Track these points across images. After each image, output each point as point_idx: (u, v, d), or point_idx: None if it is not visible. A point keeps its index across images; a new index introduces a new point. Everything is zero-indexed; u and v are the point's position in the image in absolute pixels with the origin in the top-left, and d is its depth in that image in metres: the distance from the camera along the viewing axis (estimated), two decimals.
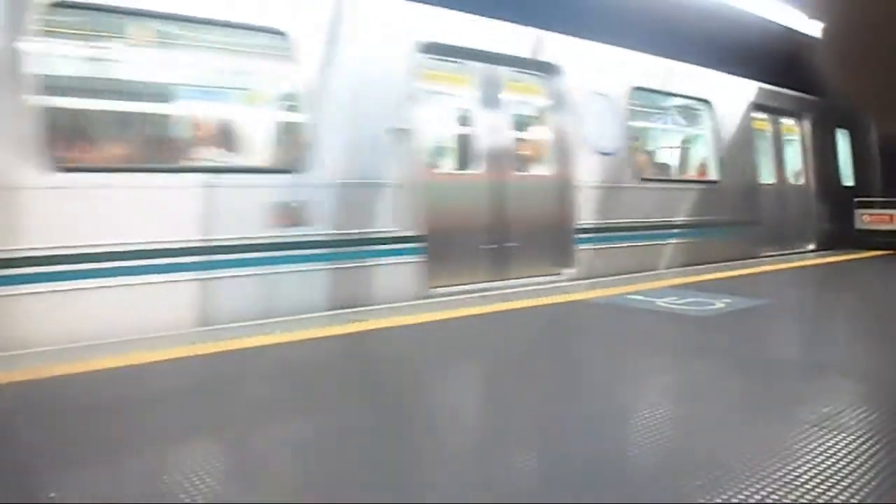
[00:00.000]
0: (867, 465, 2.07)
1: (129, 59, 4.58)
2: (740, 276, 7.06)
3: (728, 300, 5.22)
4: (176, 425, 2.53)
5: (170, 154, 4.79)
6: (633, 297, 5.47)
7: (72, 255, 3.98)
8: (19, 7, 3.91)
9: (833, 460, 2.10)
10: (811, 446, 2.22)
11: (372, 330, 4.24)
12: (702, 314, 4.76)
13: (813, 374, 3.37)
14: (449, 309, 4.89)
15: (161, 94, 4.80)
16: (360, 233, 5.17)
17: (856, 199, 10.89)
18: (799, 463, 2.08)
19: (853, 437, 2.31)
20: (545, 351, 3.94)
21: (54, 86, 4.15)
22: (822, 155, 10.57)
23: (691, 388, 3.12)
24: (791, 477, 1.98)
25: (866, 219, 10.61)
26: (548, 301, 5.34)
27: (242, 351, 3.65)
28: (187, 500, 1.86)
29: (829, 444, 2.23)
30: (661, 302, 5.17)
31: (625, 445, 2.37)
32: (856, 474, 2.00)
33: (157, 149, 4.76)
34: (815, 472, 2.01)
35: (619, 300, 5.34)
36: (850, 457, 2.13)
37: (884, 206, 10.66)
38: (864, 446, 2.22)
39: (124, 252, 4.15)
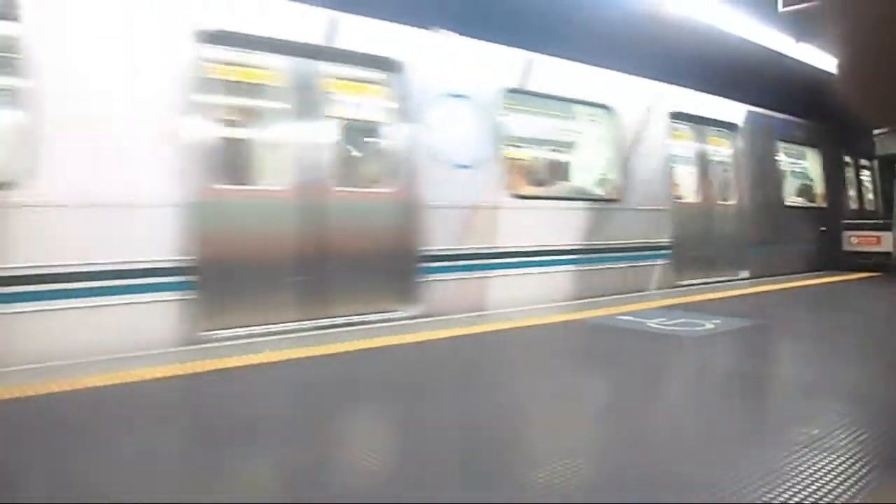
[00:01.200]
0: (858, 487, 2.05)
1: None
2: (729, 297, 7.08)
3: (718, 321, 5.23)
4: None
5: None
6: (624, 317, 5.46)
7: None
8: None
9: (823, 482, 2.08)
10: (801, 468, 2.20)
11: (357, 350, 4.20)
12: (692, 335, 4.75)
13: (803, 395, 3.36)
14: (442, 329, 4.86)
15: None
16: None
17: (843, 221, 11.03)
18: (789, 485, 2.06)
19: (844, 458, 2.29)
20: (536, 371, 3.92)
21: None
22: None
23: (680, 409, 3.10)
24: (781, 500, 1.95)
25: (854, 241, 10.71)
26: (541, 321, 5.32)
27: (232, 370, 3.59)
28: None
29: (820, 466, 2.21)
30: (652, 323, 5.17)
31: (608, 465, 2.35)
32: (847, 496, 1.99)
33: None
34: (805, 493, 1.99)
35: (610, 321, 5.33)
36: (840, 478, 2.11)
37: (872, 227, 10.78)
38: (855, 468, 2.21)
39: None
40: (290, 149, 5.17)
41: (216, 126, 5.02)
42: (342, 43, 5.32)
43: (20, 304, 3.88)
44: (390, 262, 5.51)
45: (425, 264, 5.61)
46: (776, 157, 10.32)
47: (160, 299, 4.35)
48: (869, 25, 0.62)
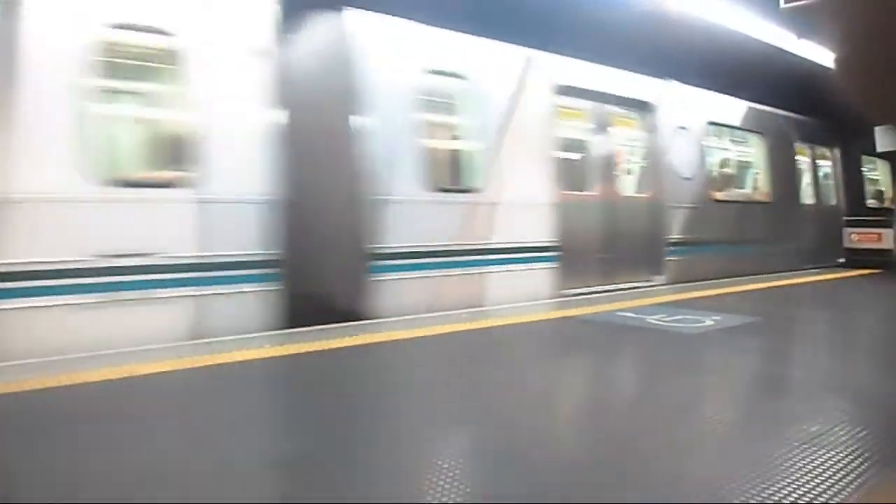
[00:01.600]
0: (857, 483, 2.05)
1: None
2: (730, 293, 7.07)
3: (717, 318, 5.22)
4: None
5: None
6: (625, 313, 5.46)
7: None
8: None
9: (822, 478, 2.08)
10: (799, 465, 2.20)
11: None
12: (691, 332, 4.75)
13: (802, 391, 3.36)
14: (430, 325, 4.87)
15: None
16: None
17: (845, 218, 11.01)
18: (787, 482, 2.05)
19: (843, 454, 2.29)
20: (539, 368, 3.92)
21: None
22: None
23: (678, 406, 3.09)
24: (780, 496, 1.95)
25: (855, 238, 10.69)
26: (542, 317, 5.32)
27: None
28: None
29: (819, 463, 2.21)
30: (652, 319, 5.17)
31: (609, 460, 2.35)
32: (845, 492, 1.98)
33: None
34: (804, 490, 1.99)
35: (611, 317, 5.33)
36: (839, 475, 2.11)
37: (872, 224, 10.76)
38: (854, 464, 2.21)
39: None
40: (596, 165, 7.46)
41: (561, 151, 7.07)
42: (618, 91, 7.61)
43: (485, 267, 6.04)
44: (649, 246, 7.80)
45: (668, 248, 7.90)
46: (860, 168, 12.68)
47: (543, 267, 6.50)
48: (868, 19, 0.61)
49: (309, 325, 4.58)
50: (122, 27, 4.30)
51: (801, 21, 8.01)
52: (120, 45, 4.36)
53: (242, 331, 4.37)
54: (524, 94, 6.49)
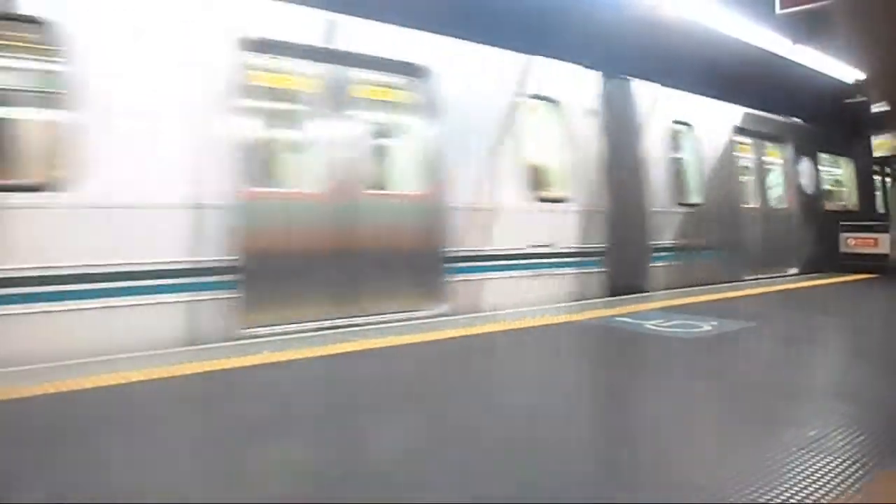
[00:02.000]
0: (855, 488, 2.06)
1: None
2: (728, 298, 7.08)
3: (715, 323, 5.23)
4: None
5: None
6: (622, 319, 5.47)
7: None
8: None
9: (820, 484, 2.08)
10: (797, 470, 2.20)
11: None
12: (689, 337, 4.75)
13: (800, 396, 3.36)
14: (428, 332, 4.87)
15: None
16: None
17: (841, 223, 11.03)
18: (785, 487, 2.06)
19: (840, 460, 2.29)
20: (536, 371, 3.91)
21: None
22: None
23: (675, 411, 3.09)
24: (778, 501, 1.95)
25: (851, 242, 10.72)
26: (540, 322, 5.32)
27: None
28: None
29: (817, 468, 2.21)
30: (649, 325, 5.17)
31: (605, 464, 2.35)
32: (843, 497, 1.99)
33: None
34: (802, 496, 1.99)
35: (608, 322, 5.34)
36: (836, 480, 2.11)
37: (869, 229, 10.78)
38: (851, 469, 2.21)
39: None
40: (757, 184, 10.19)
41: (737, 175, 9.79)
42: (767, 129, 10.42)
43: (700, 260, 8.62)
44: (786, 245, 10.35)
45: (798, 247, 10.49)
46: None
47: (726, 260, 8.98)
48: (890, 25, 0.60)
49: (617, 296, 6.96)
50: (529, 97, 6.76)
51: (798, 26, 8.06)
52: (525, 107, 6.73)
53: (589, 297, 6.91)
54: (720, 134, 9.24)
